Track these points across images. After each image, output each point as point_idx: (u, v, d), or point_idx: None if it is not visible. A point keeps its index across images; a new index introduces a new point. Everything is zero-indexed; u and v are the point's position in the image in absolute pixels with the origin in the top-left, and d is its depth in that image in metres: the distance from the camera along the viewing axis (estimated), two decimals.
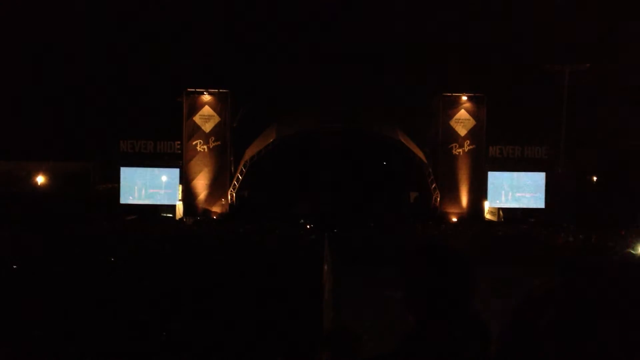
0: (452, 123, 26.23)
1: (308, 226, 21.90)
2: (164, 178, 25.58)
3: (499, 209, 25.91)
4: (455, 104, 26.32)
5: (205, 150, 25.59)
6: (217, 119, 25.61)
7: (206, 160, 25.62)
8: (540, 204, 26.00)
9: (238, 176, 25.45)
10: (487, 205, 26.21)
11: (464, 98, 26.27)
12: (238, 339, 6.99)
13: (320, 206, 25.12)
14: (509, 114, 27.04)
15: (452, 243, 16.07)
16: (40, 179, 28.22)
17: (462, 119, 26.22)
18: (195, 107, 25.64)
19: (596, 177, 29.52)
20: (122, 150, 25.54)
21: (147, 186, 25.47)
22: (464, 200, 26.15)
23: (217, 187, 25.58)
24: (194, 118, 25.58)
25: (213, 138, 25.57)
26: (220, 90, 25.69)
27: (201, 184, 25.55)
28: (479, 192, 26.13)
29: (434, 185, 25.74)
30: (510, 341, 2.01)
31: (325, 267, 9.21)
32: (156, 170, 25.54)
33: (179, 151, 25.68)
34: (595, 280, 1.68)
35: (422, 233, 19.83)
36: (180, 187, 25.60)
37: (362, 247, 15.85)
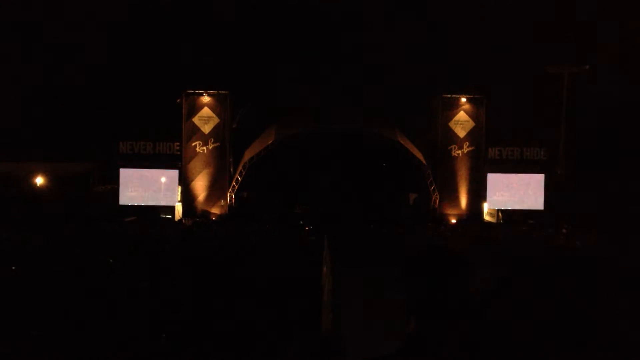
0: (452, 124, 26.27)
1: (307, 228, 21.90)
2: (163, 179, 25.60)
3: (498, 210, 25.93)
4: (454, 106, 26.37)
5: (205, 151, 25.61)
6: (216, 120, 25.65)
7: (205, 162, 25.65)
8: (540, 206, 26.02)
9: (237, 177, 25.45)
10: (486, 207, 26.23)
11: (463, 99, 26.32)
12: (237, 340, 7.00)
13: (320, 208, 25.13)
14: (508, 116, 27.03)
15: (452, 245, 16.10)
16: (40, 180, 28.19)
17: (462, 121, 26.26)
18: (195, 109, 25.67)
19: (595, 177, 29.48)
20: (122, 151, 25.59)
21: (147, 187, 25.48)
22: (463, 201, 26.18)
23: (216, 189, 25.60)
24: (193, 119, 25.61)
25: (212, 139, 25.60)
26: (220, 92, 25.72)
27: (200, 185, 25.57)
28: (478, 193, 26.16)
29: (433, 187, 25.74)
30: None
31: (325, 268, 9.21)
32: (155, 171, 25.55)
33: (178, 152, 25.72)
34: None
35: (422, 234, 19.82)
36: (179, 188, 25.62)
37: (362, 248, 15.82)
